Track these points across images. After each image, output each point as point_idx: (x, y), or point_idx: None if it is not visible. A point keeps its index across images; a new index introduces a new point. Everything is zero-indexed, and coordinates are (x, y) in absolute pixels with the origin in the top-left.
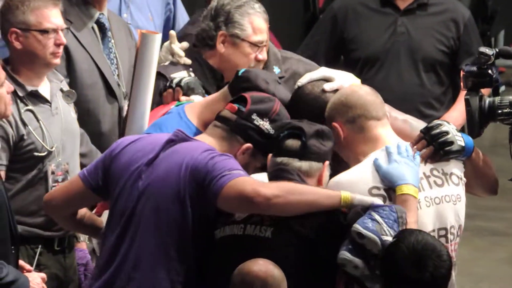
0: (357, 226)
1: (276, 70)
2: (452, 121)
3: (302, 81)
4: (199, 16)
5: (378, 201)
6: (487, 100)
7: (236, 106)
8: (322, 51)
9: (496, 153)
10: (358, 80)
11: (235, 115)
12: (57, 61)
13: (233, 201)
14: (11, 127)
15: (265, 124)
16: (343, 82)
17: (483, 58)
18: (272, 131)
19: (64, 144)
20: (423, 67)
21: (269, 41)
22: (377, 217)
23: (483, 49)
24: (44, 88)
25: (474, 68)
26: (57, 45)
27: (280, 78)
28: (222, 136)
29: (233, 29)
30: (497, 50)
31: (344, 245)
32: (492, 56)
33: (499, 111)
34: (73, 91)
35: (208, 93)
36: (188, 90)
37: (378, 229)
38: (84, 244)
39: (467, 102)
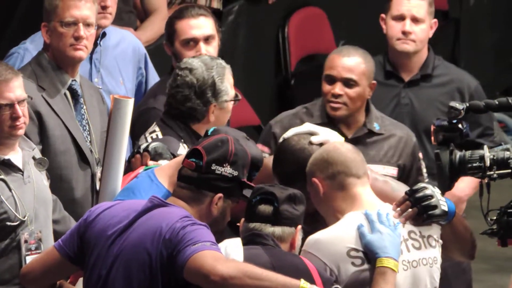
0: None
1: (376, 126)
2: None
3: (288, 134)
4: (159, 88)
5: None
6: (458, 154)
7: (193, 162)
8: None
9: (470, 215)
10: (342, 138)
11: (195, 172)
12: (20, 132)
13: (194, 275)
14: None
15: (227, 170)
16: (329, 137)
17: (453, 113)
18: (235, 173)
19: (37, 212)
20: (427, 138)
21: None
22: None
23: (453, 103)
24: (16, 156)
25: (445, 123)
26: (14, 118)
27: (377, 134)
28: (189, 197)
29: (222, 98)
30: (467, 104)
31: None
32: (462, 111)
33: (469, 165)
34: (45, 158)
35: None
36: (155, 155)
37: None
38: None
39: (437, 156)
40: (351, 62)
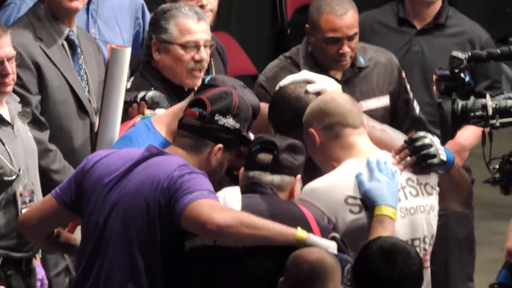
0: None
1: (361, 60)
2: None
3: (284, 81)
4: None
5: (332, 247)
6: (460, 103)
7: (196, 111)
8: None
9: (472, 164)
10: (339, 86)
11: (198, 121)
12: (9, 89)
13: (191, 224)
14: None
15: (229, 121)
16: (325, 85)
17: (455, 62)
18: (237, 126)
19: (27, 165)
20: None
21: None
22: None
23: (455, 53)
24: (4, 111)
25: (447, 72)
26: (3, 75)
27: (365, 68)
28: (190, 145)
29: (160, 35)
30: (469, 54)
31: None
32: (464, 60)
33: (472, 114)
34: (28, 110)
35: None
36: (153, 104)
37: None
38: (38, 260)
39: (439, 105)
40: (350, 18)
